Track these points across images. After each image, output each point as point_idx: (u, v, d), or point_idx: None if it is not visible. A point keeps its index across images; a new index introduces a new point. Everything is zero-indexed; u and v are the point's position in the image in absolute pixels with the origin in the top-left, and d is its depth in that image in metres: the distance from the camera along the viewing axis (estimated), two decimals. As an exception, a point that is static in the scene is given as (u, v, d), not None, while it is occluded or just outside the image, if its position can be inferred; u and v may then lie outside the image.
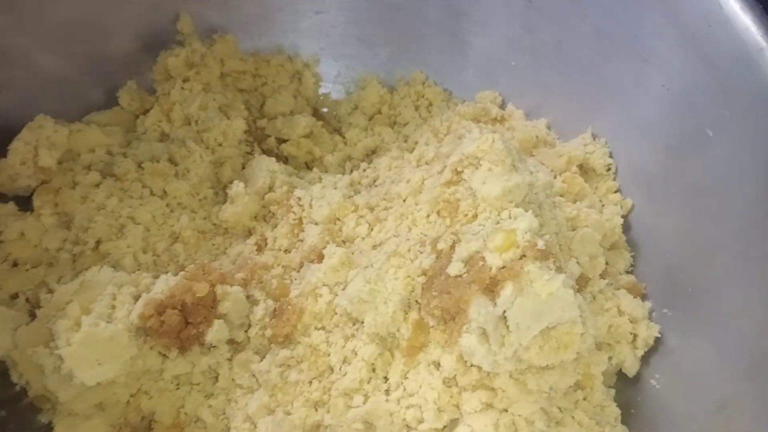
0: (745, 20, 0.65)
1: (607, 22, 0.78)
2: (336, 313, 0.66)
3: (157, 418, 0.67)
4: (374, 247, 0.71)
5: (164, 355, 0.64)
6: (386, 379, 0.64)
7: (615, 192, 0.80)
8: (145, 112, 0.84)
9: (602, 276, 0.73)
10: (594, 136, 0.84)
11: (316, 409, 0.63)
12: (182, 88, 0.84)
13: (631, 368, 0.70)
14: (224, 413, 0.66)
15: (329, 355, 0.64)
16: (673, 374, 0.69)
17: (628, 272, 0.77)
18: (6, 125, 0.75)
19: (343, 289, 0.66)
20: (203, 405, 0.66)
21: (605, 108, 0.83)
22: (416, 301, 0.63)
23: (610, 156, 0.83)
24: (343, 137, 0.92)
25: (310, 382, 0.64)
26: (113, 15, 0.81)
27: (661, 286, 0.74)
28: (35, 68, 0.77)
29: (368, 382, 0.63)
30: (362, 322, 0.64)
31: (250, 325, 0.67)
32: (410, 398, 0.62)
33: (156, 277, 0.67)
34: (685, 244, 0.73)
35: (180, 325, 0.62)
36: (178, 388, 0.67)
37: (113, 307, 0.63)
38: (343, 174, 0.85)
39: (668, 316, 0.72)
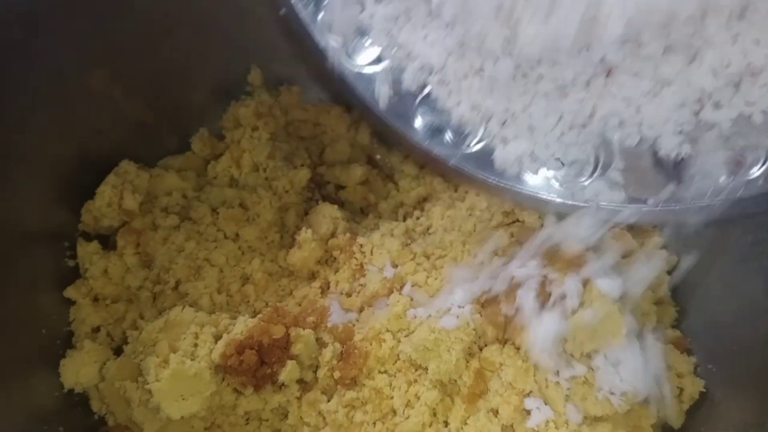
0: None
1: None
2: (399, 359, 0.70)
3: (228, 451, 0.71)
4: (432, 295, 0.75)
5: (239, 391, 0.69)
6: (447, 423, 0.68)
7: (661, 248, 0.84)
8: (215, 157, 0.90)
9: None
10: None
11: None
12: (251, 136, 0.89)
13: (676, 421, 0.73)
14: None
15: (392, 398, 0.69)
16: (717, 427, 0.72)
17: (672, 327, 0.80)
18: (94, 170, 0.81)
19: (406, 336, 0.70)
20: (273, 441, 0.71)
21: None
22: (479, 348, 0.68)
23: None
24: (396, 184, 0.97)
25: (374, 423, 0.68)
26: (194, 69, 0.88)
27: (705, 342, 0.77)
28: (123, 116, 0.83)
29: (429, 426, 0.68)
30: (425, 368, 0.68)
31: (318, 367, 0.71)
32: (469, 442, 0.66)
33: (233, 317, 0.72)
34: (728, 303, 0.77)
35: (256, 365, 0.67)
36: (247, 423, 0.71)
37: (195, 345, 0.68)
38: (396, 219, 0.90)
39: (713, 372, 0.75)
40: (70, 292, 0.77)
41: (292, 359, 0.69)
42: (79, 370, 0.71)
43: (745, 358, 0.73)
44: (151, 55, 0.84)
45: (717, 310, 0.78)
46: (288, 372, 0.68)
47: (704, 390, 0.74)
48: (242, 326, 0.69)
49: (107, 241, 0.82)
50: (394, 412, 0.69)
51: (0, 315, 0.68)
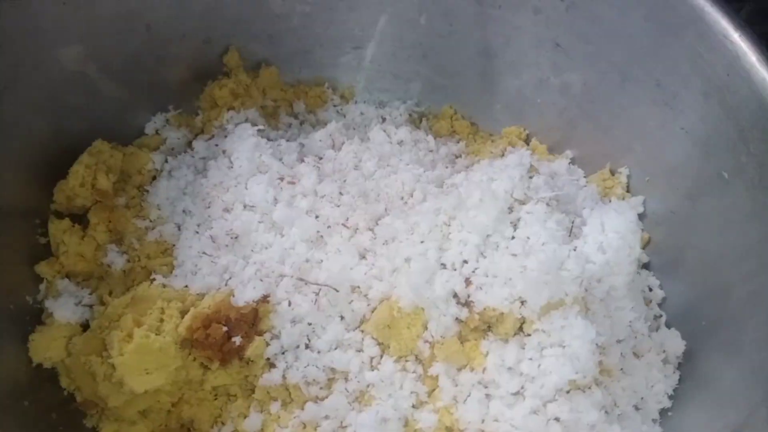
0: (763, 72, 0.69)
1: (633, 67, 0.82)
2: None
3: (195, 426, 0.71)
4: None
5: (206, 366, 0.69)
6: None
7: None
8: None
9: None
10: (612, 172, 0.88)
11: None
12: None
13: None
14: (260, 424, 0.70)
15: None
16: (693, 401, 0.72)
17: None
18: (67, 148, 0.80)
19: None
20: (239, 416, 0.70)
21: (628, 147, 0.86)
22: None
23: (628, 190, 0.86)
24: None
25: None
26: (172, 48, 0.87)
27: (679, 317, 0.77)
28: (99, 95, 0.83)
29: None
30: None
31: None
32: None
33: (201, 294, 0.71)
34: (701, 280, 0.77)
35: (223, 339, 0.67)
36: (216, 399, 0.71)
37: (161, 320, 0.68)
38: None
39: (696, 347, 0.76)
40: (41, 269, 0.77)
41: (260, 335, 0.69)
42: (48, 344, 0.71)
43: (716, 334, 0.73)
44: (127, 32, 0.83)
45: (689, 288, 0.77)
46: (255, 347, 0.68)
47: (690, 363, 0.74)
48: (209, 300, 0.69)
49: (80, 219, 0.82)
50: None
51: (-32, 290, 0.68)
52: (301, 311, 0.69)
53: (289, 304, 0.70)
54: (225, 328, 0.67)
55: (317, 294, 0.70)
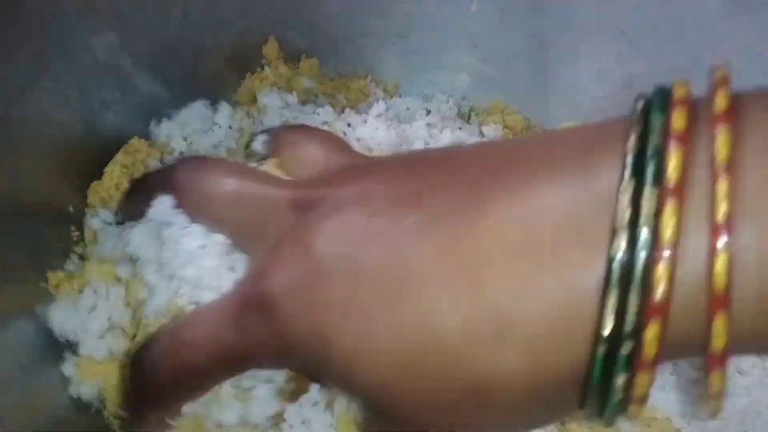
0: None
1: (707, 54, 0.77)
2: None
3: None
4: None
5: None
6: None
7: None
8: (230, 133, 0.84)
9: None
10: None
11: None
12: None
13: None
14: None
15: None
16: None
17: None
18: (101, 147, 0.74)
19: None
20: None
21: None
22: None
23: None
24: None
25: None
26: (208, 37, 0.82)
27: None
28: (132, 89, 0.77)
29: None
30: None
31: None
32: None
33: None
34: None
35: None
36: None
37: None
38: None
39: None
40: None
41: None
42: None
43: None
44: (162, 21, 0.77)
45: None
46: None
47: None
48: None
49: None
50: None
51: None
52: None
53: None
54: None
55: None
